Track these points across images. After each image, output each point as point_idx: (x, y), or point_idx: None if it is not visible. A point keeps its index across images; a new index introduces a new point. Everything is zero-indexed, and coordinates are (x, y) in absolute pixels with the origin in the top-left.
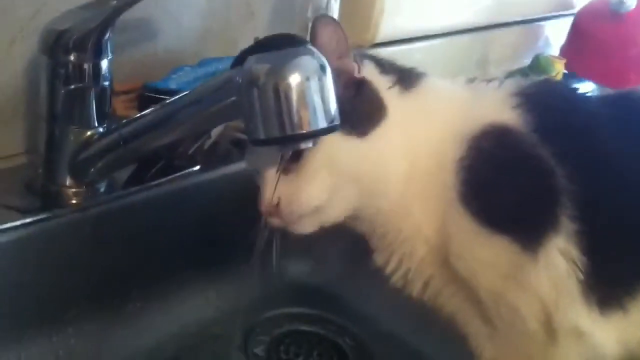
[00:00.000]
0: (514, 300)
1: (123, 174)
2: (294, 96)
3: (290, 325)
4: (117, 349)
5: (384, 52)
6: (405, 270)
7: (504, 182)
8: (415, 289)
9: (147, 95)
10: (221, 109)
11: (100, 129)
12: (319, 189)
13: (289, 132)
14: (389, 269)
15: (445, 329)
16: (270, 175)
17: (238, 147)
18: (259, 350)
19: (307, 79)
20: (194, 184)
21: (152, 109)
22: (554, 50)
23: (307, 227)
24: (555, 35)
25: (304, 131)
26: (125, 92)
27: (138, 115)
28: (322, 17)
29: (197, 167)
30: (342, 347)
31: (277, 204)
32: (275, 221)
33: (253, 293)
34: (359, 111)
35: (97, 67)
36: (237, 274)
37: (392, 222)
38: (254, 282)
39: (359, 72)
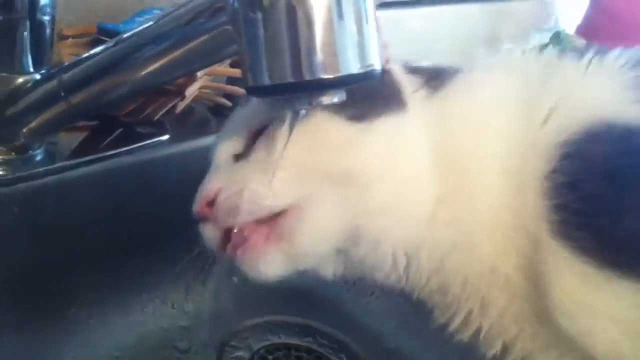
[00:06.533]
0: None
1: (71, 141)
2: (317, 23)
3: (274, 337)
4: None
5: (382, 15)
6: (477, 328)
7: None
8: (492, 350)
9: (102, 40)
10: (205, 43)
11: (37, 76)
12: (284, 181)
13: (307, 76)
14: (453, 327)
15: (469, 347)
16: (222, 158)
17: (217, 116)
18: None
19: None
20: (161, 157)
21: (104, 46)
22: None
23: (271, 264)
24: (569, 12)
25: (331, 76)
26: (76, 37)
27: (85, 55)
28: None
29: (166, 137)
30: None
31: (214, 199)
32: (209, 231)
33: (229, 296)
34: (369, 94)
35: None
36: (210, 272)
37: (446, 262)
38: (230, 283)
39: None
